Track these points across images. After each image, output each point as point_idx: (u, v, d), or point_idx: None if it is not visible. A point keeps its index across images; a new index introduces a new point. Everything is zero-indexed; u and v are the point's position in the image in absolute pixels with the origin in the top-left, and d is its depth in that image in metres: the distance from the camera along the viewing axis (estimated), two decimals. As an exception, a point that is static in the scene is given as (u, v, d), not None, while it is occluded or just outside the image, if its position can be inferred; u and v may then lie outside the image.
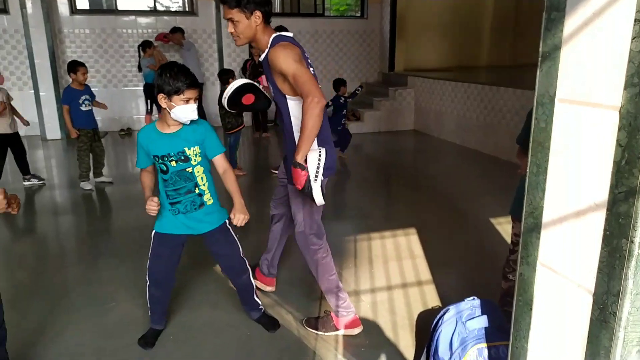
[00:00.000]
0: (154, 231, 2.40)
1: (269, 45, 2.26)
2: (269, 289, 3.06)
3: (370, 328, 2.67)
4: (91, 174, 5.42)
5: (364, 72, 10.01)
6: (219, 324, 2.72)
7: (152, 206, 2.21)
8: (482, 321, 1.93)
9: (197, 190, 2.31)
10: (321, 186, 2.16)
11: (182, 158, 2.24)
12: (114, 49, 8.47)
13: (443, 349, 1.96)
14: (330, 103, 5.99)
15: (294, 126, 2.33)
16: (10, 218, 4.72)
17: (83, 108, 5.18)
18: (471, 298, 2.03)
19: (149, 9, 8.82)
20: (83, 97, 5.17)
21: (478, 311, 1.98)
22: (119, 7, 8.58)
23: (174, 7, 9.28)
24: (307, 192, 2.14)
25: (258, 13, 2.22)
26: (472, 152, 6.99)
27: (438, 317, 2.06)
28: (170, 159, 2.24)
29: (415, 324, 2.70)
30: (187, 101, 2.14)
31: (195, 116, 2.21)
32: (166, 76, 2.10)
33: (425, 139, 8.06)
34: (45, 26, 7.66)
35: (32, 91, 7.85)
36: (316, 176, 2.13)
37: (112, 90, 8.56)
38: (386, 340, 2.56)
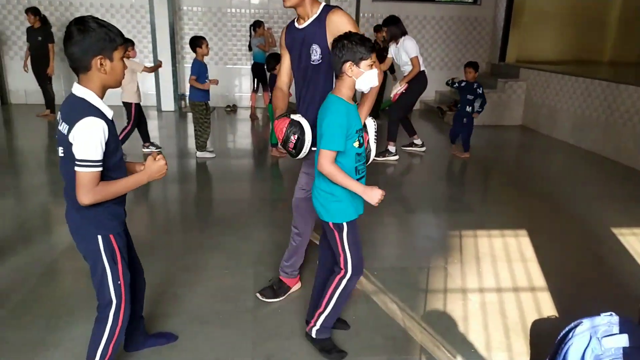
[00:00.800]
0: (344, 223, 2.15)
1: (319, 10, 2.37)
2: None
3: (480, 328, 2.57)
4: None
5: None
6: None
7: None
8: (621, 340, 1.77)
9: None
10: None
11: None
12: (227, 27, 8.82)
13: (571, 363, 1.84)
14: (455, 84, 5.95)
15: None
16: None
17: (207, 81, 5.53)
18: (608, 314, 1.87)
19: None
20: (208, 73, 5.52)
21: (616, 329, 1.82)
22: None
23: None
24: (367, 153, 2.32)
25: None
26: (588, 153, 6.46)
27: (568, 328, 1.92)
28: (361, 131, 2.17)
29: (529, 332, 2.56)
30: (371, 66, 2.06)
31: (377, 82, 2.10)
32: (351, 44, 2.00)
33: (534, 136, 7.58)
34: (167, 2, 8.13)
35: (152, 65, 8.41)
36: (375, 140, 2.37)
37: (222, 68, 8.93)
38: (498, 345, 2.45)
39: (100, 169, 1.68)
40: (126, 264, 1.92)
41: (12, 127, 7.41)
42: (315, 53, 2.38)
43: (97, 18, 1.69)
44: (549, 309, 2.77)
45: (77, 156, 1.65)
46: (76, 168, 1.66)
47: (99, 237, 1.81)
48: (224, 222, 3.89)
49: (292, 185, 2.82)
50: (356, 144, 2.09)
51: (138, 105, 5.52)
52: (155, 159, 1.84)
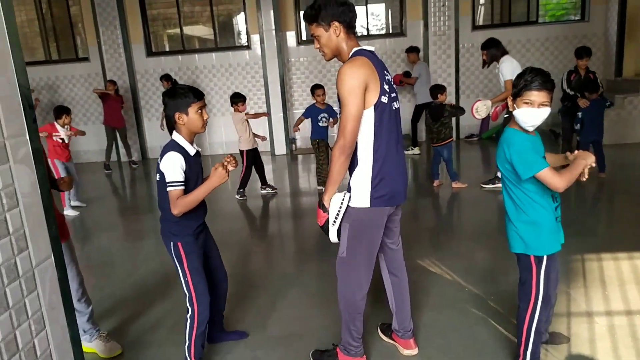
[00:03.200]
0: (545, 256, 2.15)
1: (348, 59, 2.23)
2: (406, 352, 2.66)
3: (609, 351, 2.50)
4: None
5: (584, 80, 9.11)
6: (444, 326, 2.87)
7: None
8: None
9: None
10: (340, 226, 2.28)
11: None
12: (331, 72, 9.39)
13: None
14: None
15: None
16: (251, 219, 5.65)
17: (320, 124, 6.10)
18: None
19: (362, 35, 9.56)
20: (321, 115, 6.09)
21: None
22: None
23: (382, 30, 9.86)
24: (324, 229, 2.31)
25: (336, 24, 2.20)
26: None
27: None
28: None
29: (665, 354, 2.44)
30: (527, 104, 2.05)
31: (539, 121, 2.06)
32: (525, 79, 2.03)
33: (663, 153, 6.98)
34: (278, 57, 8.93)
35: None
36: (335, 220, 2.26)
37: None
38: (629, 366, 2.38)
39: (181, 187, 2.26)
40: (196, 269, 2.38)
41: (150, 179, 8.49)
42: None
43: (178, 84, 2.18)
44: (688, 332, 2.61)
45: (166, 179, 2.25)
46: (167, 188, 2.25)
47: (171, 243, 2.35)
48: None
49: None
50: None
51: (248, 152, 6.12)
52: (216, 169, 2.27)
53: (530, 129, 2.09)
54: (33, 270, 1.78)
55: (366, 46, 2.27)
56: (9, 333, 1.65)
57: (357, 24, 2.30)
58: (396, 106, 2.29)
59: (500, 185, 5.73)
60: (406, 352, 2.62)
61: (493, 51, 5.66)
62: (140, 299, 3.52)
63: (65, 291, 1.96)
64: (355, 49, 2.24)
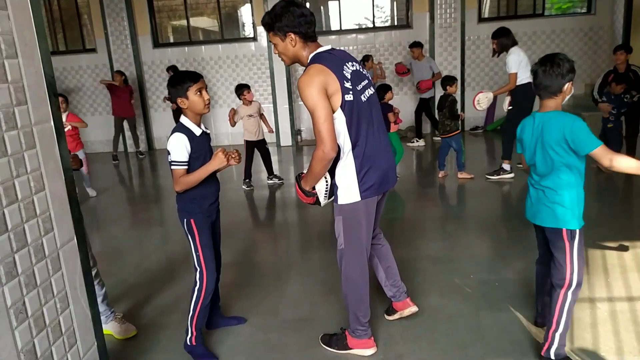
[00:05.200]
0: (577, 230, 2.25)
1: (308, 62, 2.26)
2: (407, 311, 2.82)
3: (610, 335, 2.58)
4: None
5: (589, 73, 9.13)
6: (450, 311, 2.95)
7: None
8: None
9: None
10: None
11: None
12: (336, 64, 9.41)
13: None
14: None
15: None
16: (258, 209, 5.73)
17: None
18: None
19: (367, 27, 9.59)
20: None
21: None
22: (344, 27, 9.54)
23: (387, 22, 9.88)
24: (315, 204, 2.44)
25: (292, 35, 2.23)
26: None
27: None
28: None
29: (666, 338, 2.51)
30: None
31: None
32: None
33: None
34: (283, 49, 8.96)
35: (271, 105, 9.25)
36: (325, 195, 2.40)
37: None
38: (631, 350, 2.44)
39: (184, 167, 2.41)
40: (206, 245, 2.53)
41: (157, 169, 8.57)
42: None
43: (177, 70, 2.27)
44: (688, 318, 2.68)
45: (171, 158, 2.40)
46: (171, 167, 2.41)
47: (185, 220, 2.51)
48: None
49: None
50: None
51: (249, 143, 6.17)
52: (217, 154, 2.43)
53: None
54: (58, 251, 1.87)
55: (324, 47, 2.30)
56: (37, 310, 1.74)
57: (314, 31, 2.29)
58: (369, 94, 2.33)
59: (505, 176, 5.83)
60: (407, 311, 2.79)
61: (503, 40, 5.65)
62: (152, 285, 3.60)
63: (87, 272, 2.04)
64: (312, 55, 2.27)
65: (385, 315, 2.90)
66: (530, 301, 2.91)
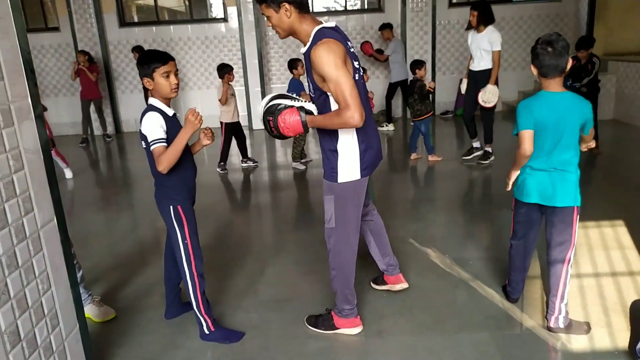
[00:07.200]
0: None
1: (310, 40, 2.15)
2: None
3: (579, 308, 2.71)
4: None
5: (555, 59, 9.36)
6: (427, 289, 3.03)
7: None
8: None
9: None
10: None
11: None
12: (308, 47, 9.35)
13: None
14: None
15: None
16: (233, 192, 5.70)
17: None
18: None
19: (338, 10, 9.54)
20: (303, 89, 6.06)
21: None
22: (315, 9, 9.45)
23: (357, 5, 9.85)
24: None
25: (286, 5, 2.12)
26: (691, 144, 6.16)
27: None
28: None
29: (629, 311, 2.65)
30: None
31: None
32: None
33: (629, 129, 7.30)
34: (255, 31, 8.83)
35: (243, 87, 9.13)
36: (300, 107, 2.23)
37: (307, 86, 9.47)
38: (597, 322, 2.58)
39: (163, 144, 2.27)
40: (195, 233, 2.46)
41: (125, 152, 8.37)
42: (310, 87, 2.31)
43: (144, 51, 2.20)
44: (649, 291, 2.84)
45: (148, 139, 2.27)
46: (151, 148, 2.27)
47: (170, 207, 2.39)
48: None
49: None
50: None
51: (228, 124, 6.11)
52: (187, 118, 2.30)
53: None
54: (39, 232, 1.82)
55: (327, 23, 2.22)
56: (19, 291, 1.70)
57: (309, 2, 2.22)
58: (360, 74, 2.34)
59: (477, 154, 5.92)
60: (397, 286, 2.93)
61: (486, 13, 5.35)
62: (126, 268, 3.55)
63: (67, 253, 2.00)
64: (316, 28, 2.16)
65: (372, 283, 3.02)
66: (503, 277, 3.02)
